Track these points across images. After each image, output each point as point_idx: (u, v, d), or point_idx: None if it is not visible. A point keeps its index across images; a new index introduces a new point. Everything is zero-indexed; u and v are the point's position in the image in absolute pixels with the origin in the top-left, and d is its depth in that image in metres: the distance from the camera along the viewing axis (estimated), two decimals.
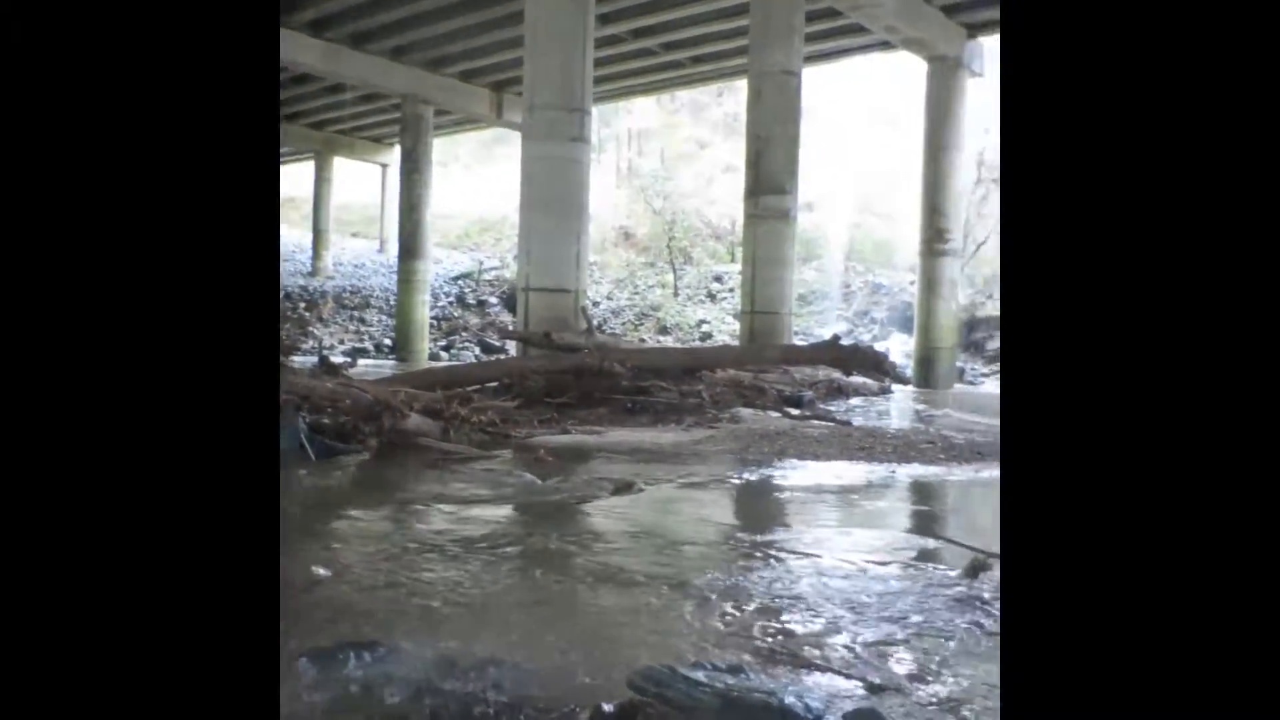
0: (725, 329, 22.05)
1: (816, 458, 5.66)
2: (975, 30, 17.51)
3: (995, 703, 1.81)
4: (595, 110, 10.17)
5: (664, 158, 30.55)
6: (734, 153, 24.62)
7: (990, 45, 17.73)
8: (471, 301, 23.48)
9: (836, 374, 9.70)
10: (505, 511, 3.94)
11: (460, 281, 24.60)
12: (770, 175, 12.26)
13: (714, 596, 2.51)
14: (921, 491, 4.93)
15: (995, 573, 2.88)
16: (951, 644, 2.19)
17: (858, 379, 10.01)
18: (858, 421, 7.55)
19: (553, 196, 8.52)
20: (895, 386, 11.32)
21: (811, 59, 16.05)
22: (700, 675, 1.59)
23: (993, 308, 26.57)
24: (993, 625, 2.33)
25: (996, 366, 24.44)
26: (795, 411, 7.84)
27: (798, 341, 15.27)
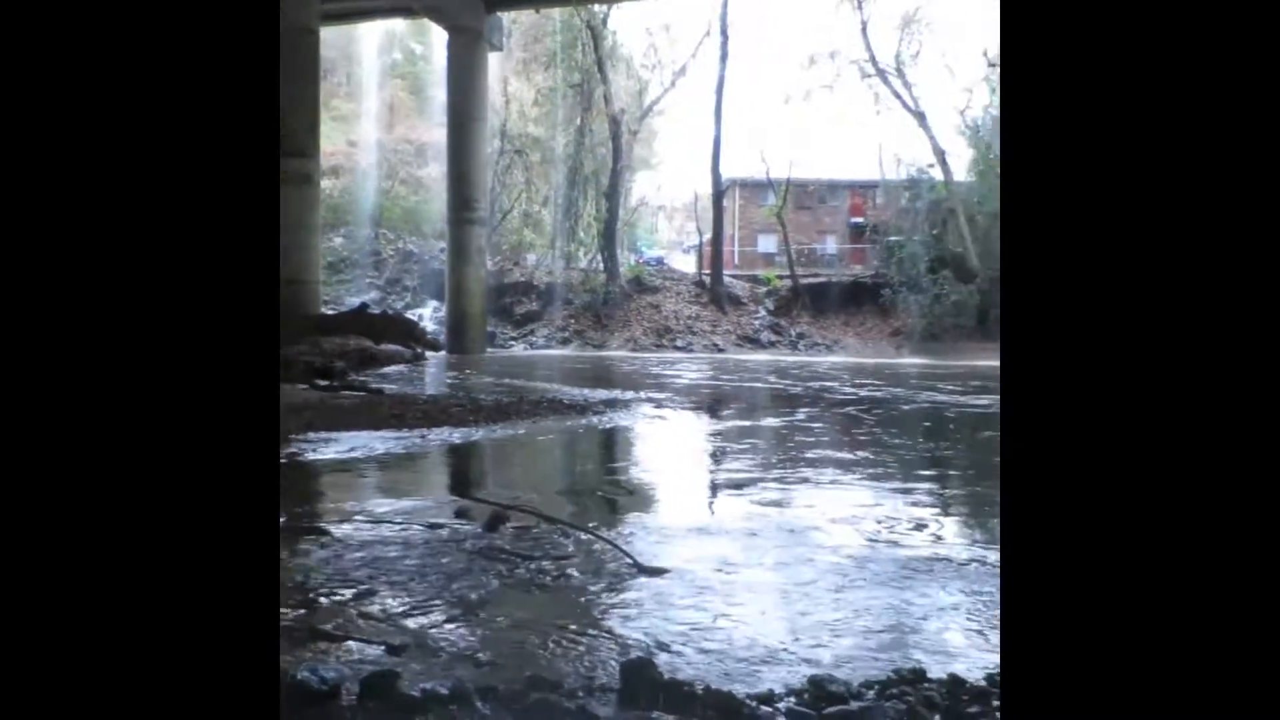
0: None
1: (346, 429, 5.55)
2: (493, 5, 18.03)
3: (521, 639, 1.93)
4: None
5: None
6: None
7: (508, 19, 18.34)
8: None
9: (368, 343, 9.57)
10: None
11: None
12: (290, 137, 11.65)
13: None
14: (455, 454, 5.05)
15: (512, 524, 3.06)
16: (476, 594, 2.29)
17: (390, 347, 9.96)
18: (390, 390, 7.52)
19: None
20: (429, 353, 11.43)
21: (332, 18, 15.44)
22: None
23: (519, 274, 27.91)
24: (511, 570, 2.48)
25: (525, 329, 25.77)
26: (324, 383, 7.61)
27: (327, 311, 14.79)
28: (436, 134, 27.79)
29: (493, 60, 18.66)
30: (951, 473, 4.89)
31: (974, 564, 2.75)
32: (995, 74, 26.31)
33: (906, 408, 8.46)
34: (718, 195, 26.82)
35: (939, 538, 3.11)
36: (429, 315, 24.82)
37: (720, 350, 23.20)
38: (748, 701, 1.61)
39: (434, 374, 9.86)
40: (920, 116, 26.96)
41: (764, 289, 27.38)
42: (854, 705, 1.57)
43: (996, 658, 1.95)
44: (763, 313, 26.07)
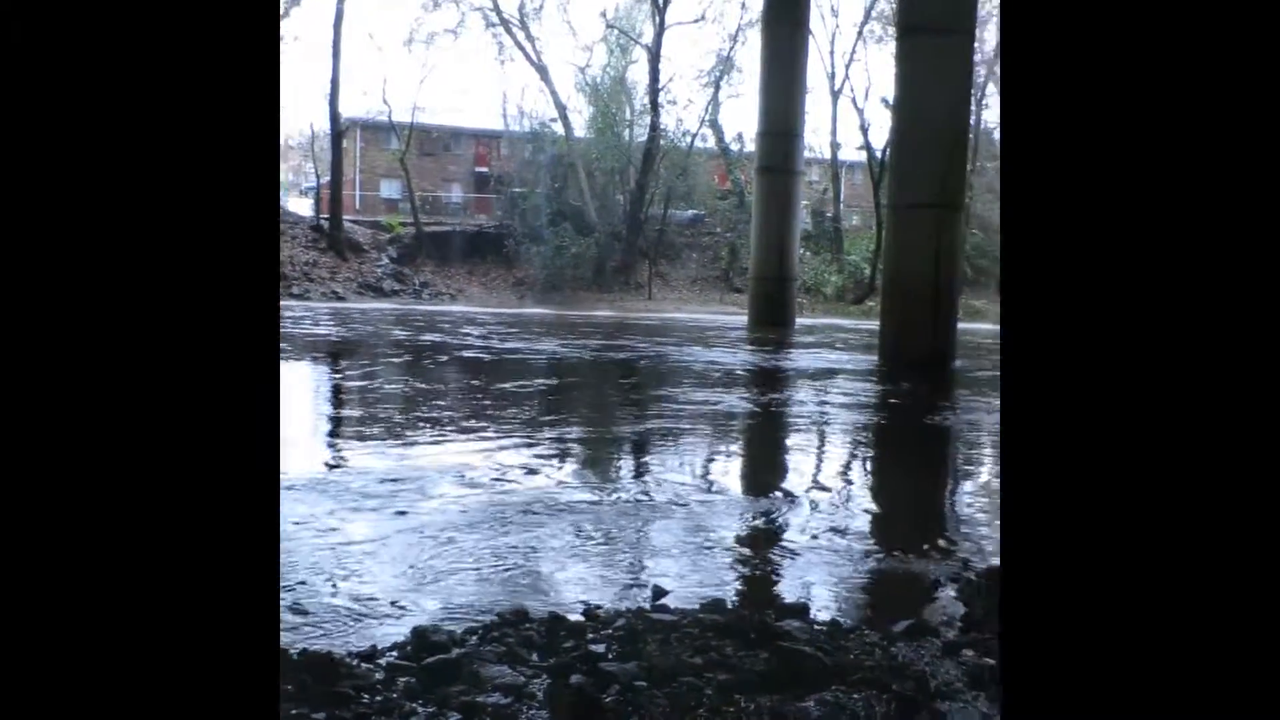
0: None
1: None
2: None
3: None
4: None
5: None
6: None
7: None
8: None
9: None
10: None
11: None
12: None
13: None
14: None
15: None
16: None
17: None
18: None
19: None
20: None
21: None
22: None
23: None
24: None
25: None
26: None
27: None
28: None
29: None
30: (574, 419, 5.10)
31: (584, 504, 2.90)
32: (613, 35, 27.46)
33: (536, 358, 8.69)
34: (336, 136, 25.55)
35: (561, 482, 3.24)
36: None
37: (340, 298, 22.28)
38: (347, 660, 1.57)
39: None
40: (543, 70, 27.48)
41: (387, 236, 26.65)
42: (455, 653, 1.59)
43: (597, 592, 2.08)
44: (385, 260, 25.38)
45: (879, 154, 21.03)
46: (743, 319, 14.52)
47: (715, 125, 27.19)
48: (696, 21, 31.65)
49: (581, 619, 1.84)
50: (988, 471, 4.18)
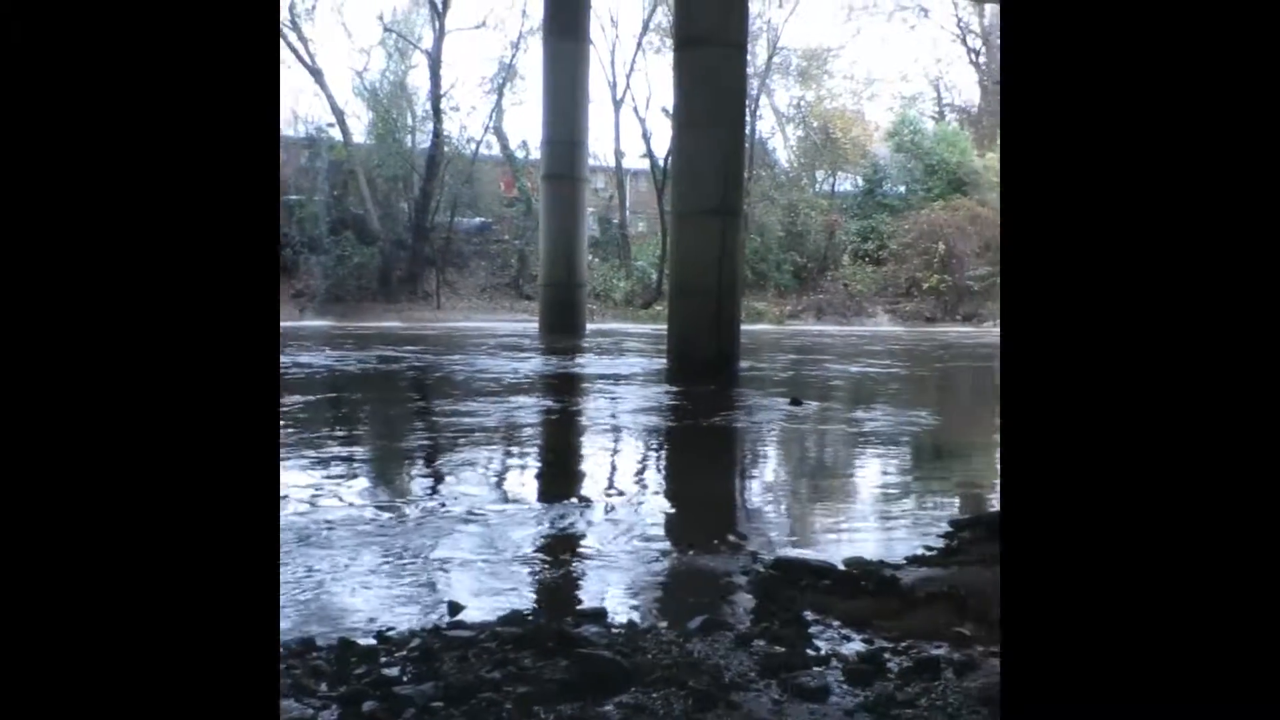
0: None
1: None
2: None
3: None
4: None
5: None
6: None
7: None
8: None
9: None
10: None
11: None
12: None
13: None
14: None
15: None
16: None
17: None
18: None
19: None
20: None
21: None
22: None
23: None
24: None
25: None
26: None
27: None
28: None
29: None
30: (362, 435, 4.91)
31: (375, 522, 2.80)
32: (391, 39, 26.79)
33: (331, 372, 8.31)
34: None
35: (351, 501, 3.11)
36: None
37: None
38: None
39: None
40: (318, 74, 26.41)
41: None
42: None
43: (390, 613, 2.01)
44: None
45: (662, 162, 21.61)
46: (534, 326, 14.53)
47: (500, 132, 27.07)
48: (477, 27, 31.37)
49: (374, 642, 1.77)
50: (773, 467, 4.37)
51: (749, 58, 11.79)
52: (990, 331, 16.64)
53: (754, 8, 19.64)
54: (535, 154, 20.74)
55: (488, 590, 2.21)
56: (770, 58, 23.80)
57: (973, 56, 25.92)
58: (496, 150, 26.77)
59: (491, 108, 26.70)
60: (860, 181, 23.94)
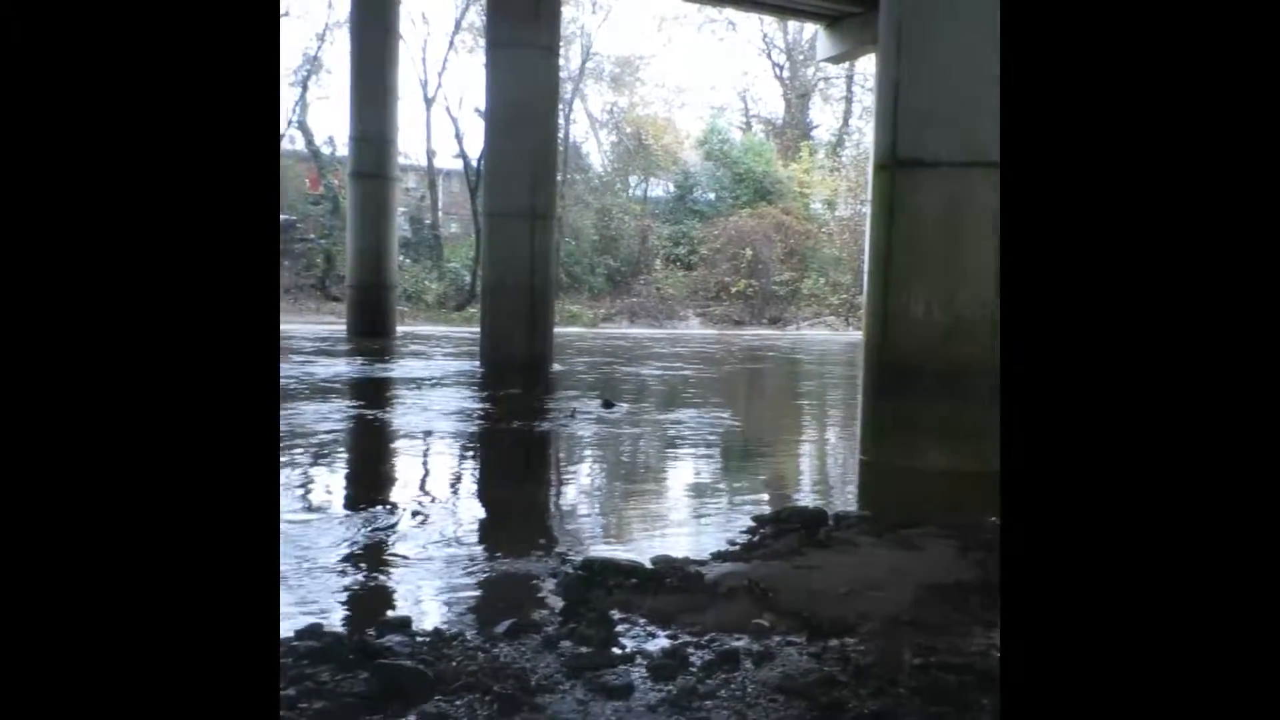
0: None
1: None
2: None
3: None
4: None
5: None
6: None
7: None
8: None
9: None
10: None
11: None
12: None
13: None
14: None
15: None
16: None
17: None
18: None
19: None
20: None
21: None
22: None
23: None
24: None
25: None
26: None
27: None
28: None
29: None
30: None
31: None
32: None
33: None
34: None
35: None
36: None
37: None
38: None
39: None
40: None
41: None
42: None
43: None
44: None
45: (475, 163, 21.35)
46: (342, 329, 14.02)
47: (304, 127, 25.96)
48: (281, 17, 30.03)
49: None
50: (584, 470, 4.41)
51: (562, 62, 11.83)
52: (792, 334, 17.41)
53: (568, 13, 19.72)
54: (343, 150, 20.01)
55: (288, 602, 2.12)
56: (584, 63, 23.97)
57: (777, 71, 27.00)
58: (301, 145, 25.71)
59: (295, 102, 25.61)
60: (672, 188, 24.47)
